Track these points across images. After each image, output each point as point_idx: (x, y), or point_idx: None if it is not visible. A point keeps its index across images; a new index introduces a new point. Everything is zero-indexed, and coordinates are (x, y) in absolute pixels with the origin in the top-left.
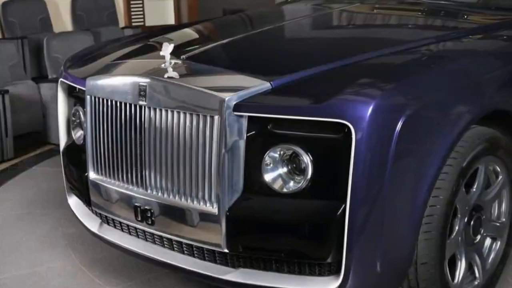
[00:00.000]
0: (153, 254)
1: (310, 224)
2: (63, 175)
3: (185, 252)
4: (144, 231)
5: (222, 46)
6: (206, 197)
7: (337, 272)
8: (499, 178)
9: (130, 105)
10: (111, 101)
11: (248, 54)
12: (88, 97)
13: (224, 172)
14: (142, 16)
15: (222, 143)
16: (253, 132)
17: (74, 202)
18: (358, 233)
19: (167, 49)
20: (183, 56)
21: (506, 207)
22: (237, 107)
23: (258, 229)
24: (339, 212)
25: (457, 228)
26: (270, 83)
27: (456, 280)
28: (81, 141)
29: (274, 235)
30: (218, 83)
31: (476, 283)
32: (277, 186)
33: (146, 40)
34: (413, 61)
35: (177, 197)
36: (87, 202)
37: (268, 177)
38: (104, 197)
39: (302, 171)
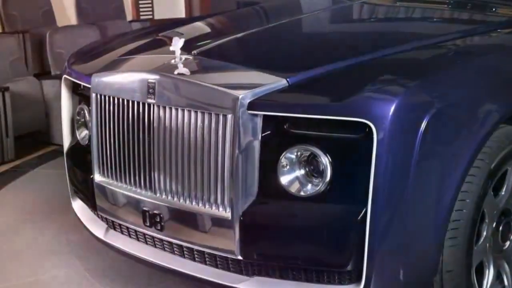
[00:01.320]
0: (163, 261)
1: (329, 229)
2: (67, 177)
3: (197, 259)
4: (153, 237)
5: (236, 40)
6: (219, 201)
7: (357, 281)
8: None
9: (138, 103)
10: (118, 99)
11: (263, 49)
12: (93, 95)
13: (238, 175)
14: (151, 9)
15: (236, 144)
16: (269, 132)
17: (78, 206)
18: (379, 239)
19: (177, 44)
20: (194, 52)
21: None
22: (252, 106)
23: (274, 235)
24: (359, 217)
25: (484, 234)
26: (287, 80)
27: None
28: (86, 142)
29: (290, 241)
30: (231, 80)
31: None
32: (294, 189)
33: (155, 34)
34: (438, 56)
35: (187, 201)
36: (93, 206)
37: (284, 179)
38: (111, 201)
39: (321, 174)
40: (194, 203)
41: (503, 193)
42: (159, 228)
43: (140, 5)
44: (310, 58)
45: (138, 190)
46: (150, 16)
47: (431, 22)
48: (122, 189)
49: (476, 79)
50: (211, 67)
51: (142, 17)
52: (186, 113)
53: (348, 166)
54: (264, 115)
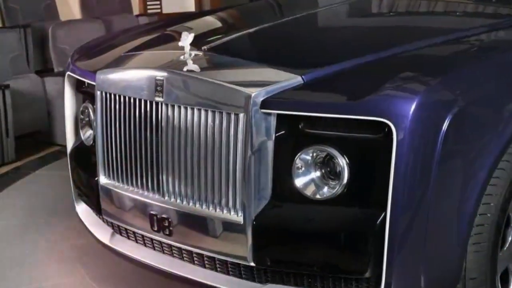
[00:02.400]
0: (171, 268)
1: (346, 234)
2: (71, 180)
3: (207, 265)
4: (160, 243)
5: (248, 36)
6: (230, 204)
7: None
8: None
9: (145, 101)
10: (124, 97)
11: (277, 45)
12: (98, 92)
13: (250, 177)
14: (158, 2)
15: (248, 144)
16: (283, 131)
17: (83, 210)
18: (399, 244)
19: (186, 39)
20: (204, 47)
21: None
22: (265, 104)
23: (288, 240)
24: (378, 221)
25: (510, 239)
26: (302, 77)
27: None
28: (91, 142)
29: (306, 246)
30: (243, 77)
31: None
32: (309, 192)
33: (163, 29)
34: (461, 52)
35: (197, 205)
36: (98, 210)
37: (299, 182)
38: (116, 204)
39: (337, 176)
40: (204, 206)
41: None
42: (167, 233)
43: None
44: (326, 54)
45: (146, 193)
46: (158, 10)
47: (453, 16)
48: (129, 192)
49: (500, 76)
50: (222, 63)
51: (149, 11)
52: (195, 112)
53: (366, 167)
54: (278, 114)
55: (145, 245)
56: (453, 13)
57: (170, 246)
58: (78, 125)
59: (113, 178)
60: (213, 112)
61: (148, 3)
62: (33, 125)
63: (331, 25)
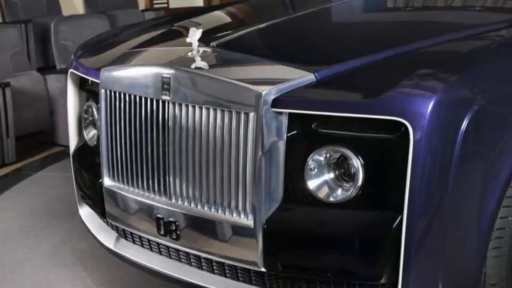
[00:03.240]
0: (178, 273)
1: (361, 238)
2: (74, 181)
3: (216, 271)
4: (167, 247)
5: (259, 31)
6: (240, 207)
7: None
8: None
9: (152, 100)
10: (129, 96)
11: (288, 41)
12: (102, 91)
13: (261, 178)
14: None
15: (259, 145)
16: (295, 131)
17: (86, 213)
18: (416, 249)
19: (194, 35)
20: (213, 43)
21: None
22: (276, 103)
23: (301, 245)
24: (394, 225)
25: None
26: (315, 75)
27: None
28: (95, 142)
29: (318, 251)
30: (253, 74)
31: None
32: (322, 194)
33: (170, 24)
34: (481, 48)
35: (206, 208)
36: (102, 213)
37: (312, 184)
38: (121, 207)
39: (352, 177)
40: (213, 209)
41: None
42: (174, 237)
43: None
44: (340, 50)
45: (152, 195)
46: (165, 5)
47: (473, 11)
48: (134, 194)
49: None
50: (232, 60)
51: (155, 6)
52: (204, 111)
53: (381, 169)
54: (290, 113)
55: (151, 250)
56: (473, 7)
57: (177, 250)
58: (82, 125)
59: (118, 180)
60: (222, 111)
61: None
62: (35, 125)
63: (345, 20)
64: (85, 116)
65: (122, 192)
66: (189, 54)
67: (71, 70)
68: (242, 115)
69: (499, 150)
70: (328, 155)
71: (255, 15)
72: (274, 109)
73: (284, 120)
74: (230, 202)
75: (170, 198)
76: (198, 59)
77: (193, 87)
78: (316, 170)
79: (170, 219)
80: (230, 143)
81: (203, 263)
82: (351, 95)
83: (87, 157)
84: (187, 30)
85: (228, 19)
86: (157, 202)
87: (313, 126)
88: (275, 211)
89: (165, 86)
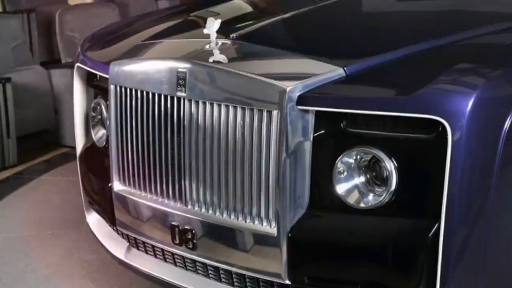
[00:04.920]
0: (195, 286)
1: (395, 248)
2: (81, 186)
3: (236, 284)
4: (183, 257)
5: (282, 22)
6: (262, 214)
7: None
8: None
9: (166, 97)
10: (141, 92)
11: (315, 32)
12: (112, 87)
13: (285, 183)
14: None
15: (283, 146)
16: (322, 131)
17: (94, 220)
18: (455, 259)
19: (212, 26)
20: (233, 35)
21: None
22: (302, 100)
23: (328, 255)
24: (431, 234)
25: None
26: (344, 69)
27: None
28: (103, 143)
29: (348, 262)
30: (277, 69)
31: None
32: (352, 200)
33: (186, 14)
34: None
35: (225, 215)
36: (111, 220)
37: (340, 188)
38: (133, 214)
39: (384, 181)
40: (232, 216)
41: None
42: (190, 246)
43: None
44: (371, 43)
45: (166, 201)
46: None
47: None
48: (147, 200)
49: None
50: (253, 53)
51: None
52: (223, 108)
53: (417, 172)
54: (317, 111)
55: (165, 261)
56: None
57: (193, 261)
58: (89, 124)
59: (129, 184)
60: (243, 109)
61: None
62: (38, 124)
63: (376, 10)
64: (93, 114)
65: (134, 198)
66: (207, 46)
67: (77, 64)
68: (265, 113)
69: None
70: (358, 157)
71: (278, 4)
72: (299, 107)
73: (311, 119)
74: (252, 208)
75: (186, 204)
76: (216, 52)
77: (211, 82)
78: (345, 173)
79: (186, 227)
80: (252, 144)
81: (221, 275)
82: (384, 92)
83: (95, 159)
84: (205, 20)
85: (249, 9)
86: (172, 209)
87: (342, 125)
88: (301, 218)
89: (180, 81)
